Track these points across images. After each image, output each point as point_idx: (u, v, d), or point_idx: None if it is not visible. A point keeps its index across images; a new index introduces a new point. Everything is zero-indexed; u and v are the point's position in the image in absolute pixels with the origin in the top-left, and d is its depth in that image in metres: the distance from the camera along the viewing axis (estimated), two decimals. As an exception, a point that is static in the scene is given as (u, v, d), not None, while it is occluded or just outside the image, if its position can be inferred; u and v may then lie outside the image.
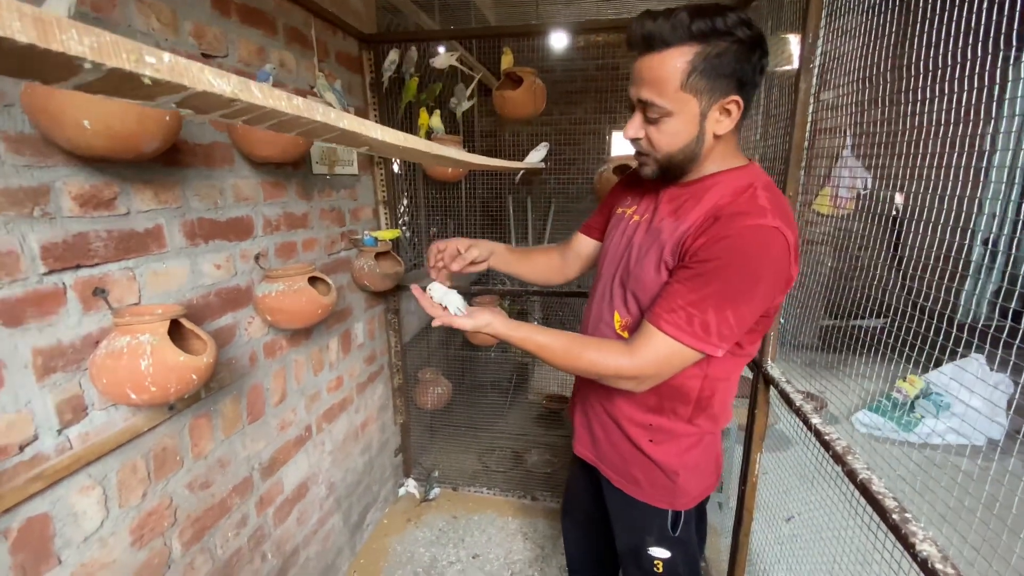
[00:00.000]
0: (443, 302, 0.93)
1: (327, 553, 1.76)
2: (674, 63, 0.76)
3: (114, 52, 0.24)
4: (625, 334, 0.94)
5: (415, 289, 0.95)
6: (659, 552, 1.03)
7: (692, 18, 0.74)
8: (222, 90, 0.29)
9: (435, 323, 0.89)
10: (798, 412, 1.07)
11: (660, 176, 0.90)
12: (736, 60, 0.76)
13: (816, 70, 1.14)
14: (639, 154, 0.89)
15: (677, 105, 0.79)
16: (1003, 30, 0.75)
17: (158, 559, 1.08)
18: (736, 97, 0.78)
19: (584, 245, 1.18)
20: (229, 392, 1.27)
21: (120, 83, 0.26)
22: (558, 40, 2.29)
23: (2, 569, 0.81)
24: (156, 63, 0.26)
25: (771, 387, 1.27)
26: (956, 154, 0.91)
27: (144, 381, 0.86)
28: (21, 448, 0.83)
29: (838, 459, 0.87)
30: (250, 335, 1.33)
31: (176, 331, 0.97)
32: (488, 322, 0.87)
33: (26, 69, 0.23)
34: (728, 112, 0.80)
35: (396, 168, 2.17)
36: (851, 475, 0.82)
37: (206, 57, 1.16)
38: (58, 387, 0.88)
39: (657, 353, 0.81)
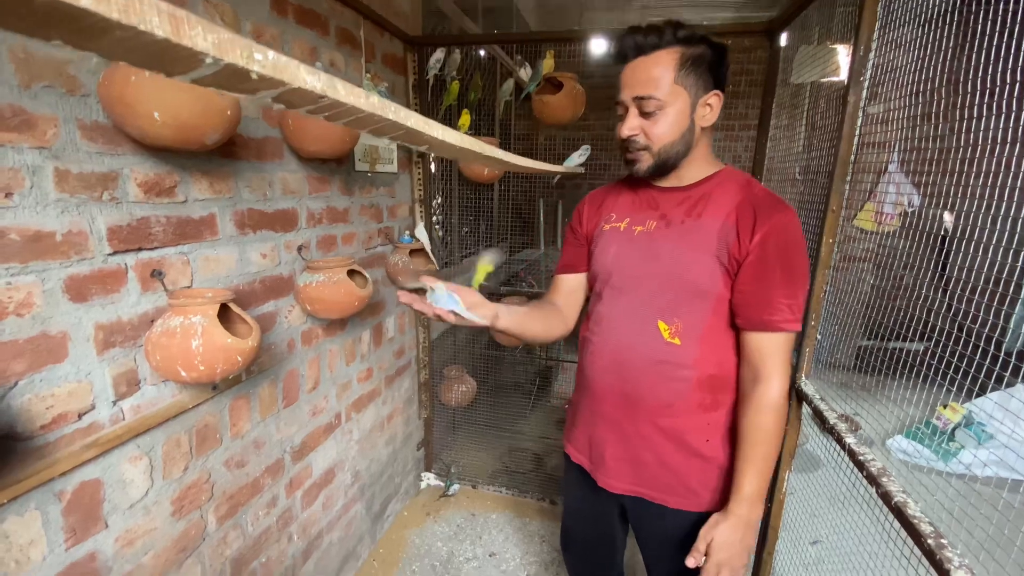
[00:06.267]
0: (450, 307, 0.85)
1: (349, 539, 1.80)
2: (666, 61, 0.88)
3: (230, 48, 0.26)
4: (676, 340, 0.95)
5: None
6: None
7: (675, 28, 0.88)
8: (313, 86, 0.32)
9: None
10: (831, 431, 1.04)
11: (654, 172, 0.95)
12: (711, 61, 0.89)
13: (866, 83, 1.12)
14: (634, 151, 0.94)
15: (672, 97, 0.89)
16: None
17: (195, 531, 1.14)
18: (717, 91, 0.91)
19: (576, 282, 1.14)
20: (267, 376, 1.32)
21: (230, 77, 0.28)
22: (598, 46, 2.29)
23: (55, 528, 0.86)
24: (262, 60, 0.28)
25: (804, 404, 1.24)
26: (1012, 174, 0.88)
27: (194, 360, 0.91)
28: (79, 416, 0.89)
29: (872, 480, 0.85)
30: (290, 323, 1.38)
31: (223, 315, 1.02)
32: (751, 521, 0.92)
33: (155, 62, 0.25)
34: (710, 107, 0.92)
35: (433, 168, 2.21)
36: (885, 497, 0.80)
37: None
38: (116, 361, 0.94)
39: (784, 353, 0.91)
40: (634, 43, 0.89)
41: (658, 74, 0.88)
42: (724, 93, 0.93)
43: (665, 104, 0.89)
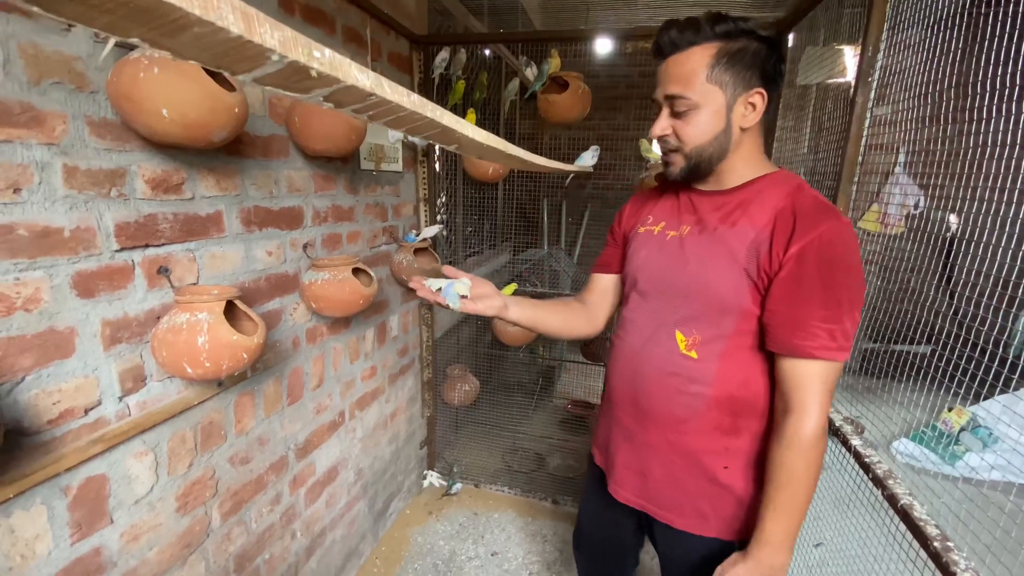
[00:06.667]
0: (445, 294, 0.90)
1: (352, 537, 1.80)
2: (699, 58, 0.82)
3: (293, 46, 0.26)
4: (693, 354, 0.90)
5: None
6: None
7: (714, 21, 0.81)
8: (364, 84, 0.32)
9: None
10: (837, 433, 1.04)
11: (688, 175, 0.90)
12: (755, 55, 0.82)
13: (874, 84, 1.11)
14: (668, 152, 0.90)
15: (704, 97, 0.83)
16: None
17: (199, 527, 1.14)
18: (760, 89, 0.83)
19: (609, 282, 1.13)
20: (272, 373, 1.32)
21: (291, 75, 0.28)
22: (604, 46, 2.29)
23: (60, 523, 0.87)
24: (321, 57, 0.28)
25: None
26: (1020, 176, 0.87)
27: (200, 356, 0.91)
28: (86, 411, 0.90)
29: (878, 483, 0.84)
30: (295, 320, 1.38)
31: (229, 312, 1.02)
32: (774, 567, 0.83)
33: (224, 60, 0.25)
34: (753, 106, 0.84)
35: (438, 167, 2.21)
36: (891, 500, 0.80)
37: (270, 53, 1.22)
38: (122, 357, 0.94)
39: (820, 384, 0.80)
40: (669, 39, 0.84)
41: (690, 72, 0.82)
42: (771, 90, 0.84)
43: (698, 104, 0.83)
